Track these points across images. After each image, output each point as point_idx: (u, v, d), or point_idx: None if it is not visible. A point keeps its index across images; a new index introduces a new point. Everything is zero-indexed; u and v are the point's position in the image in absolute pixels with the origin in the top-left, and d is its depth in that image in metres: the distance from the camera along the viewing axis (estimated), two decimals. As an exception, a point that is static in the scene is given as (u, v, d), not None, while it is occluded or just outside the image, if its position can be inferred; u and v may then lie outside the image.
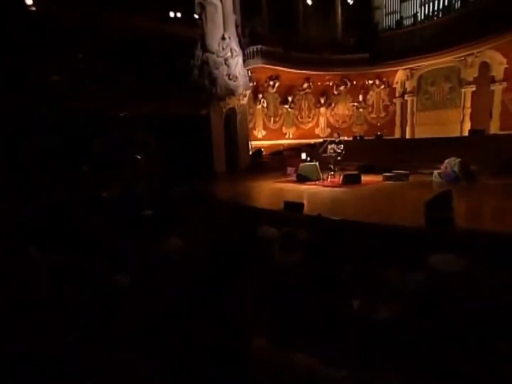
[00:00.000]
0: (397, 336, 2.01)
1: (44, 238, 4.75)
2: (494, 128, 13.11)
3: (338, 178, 8.88)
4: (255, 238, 4.13)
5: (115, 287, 2.79)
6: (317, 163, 9.53)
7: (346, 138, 11.90)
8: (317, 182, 8.98)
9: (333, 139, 9.34)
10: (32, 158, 10.43)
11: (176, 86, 12.45)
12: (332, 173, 8.98)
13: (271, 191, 8.36)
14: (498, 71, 13.09)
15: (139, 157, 14.65)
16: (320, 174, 9.43)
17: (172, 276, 2.97)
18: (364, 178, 8.69)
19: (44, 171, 10.16)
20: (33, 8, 8.79)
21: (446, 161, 8.28)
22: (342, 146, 8.92)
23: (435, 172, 8.45)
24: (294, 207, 5.23)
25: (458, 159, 8.01)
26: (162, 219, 5.62)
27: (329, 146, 9.13)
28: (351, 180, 8.22)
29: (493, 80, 13.25)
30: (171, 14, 12.39)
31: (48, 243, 4.32)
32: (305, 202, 5.98)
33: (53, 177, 10.01)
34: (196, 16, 12.38)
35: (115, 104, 11.83)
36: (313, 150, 11.89)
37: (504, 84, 13.01)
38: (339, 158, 8.86)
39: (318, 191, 7.68)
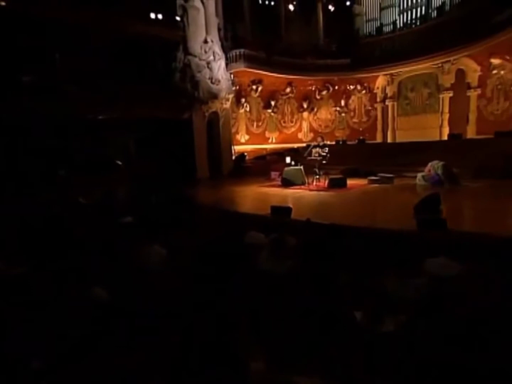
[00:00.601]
0: (403, 348, 1.87)
1: (14, 247, 4.40)
2: (470, 132, 13.51)
3: (324, 182, 8.82)
4: (243, 244, 3.95)
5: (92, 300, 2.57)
6: (301, 167, 9.46)
7: (329, 142, 11.96)
8: (302, 186, 8.89)
9: (317, 143, 9.30)
10: (7, 160, 9.91)
11: (157, 89, 12.16)
12: (317, 177, 8.92)
13: (256, 195, 8.20)
14: (473, 78, 13.53)
15: (119, 162, 14.25)
16: (305, 178, 9.36)
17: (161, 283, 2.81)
18: (349, 181, 8.67)
19: (20, 175, 9.67)
20: (3, 3, 8.32)
21: (430, 164, 8.37)
22: (327, 149, 8.89)
23: (419, 175, 8.53)
24: (281, 211, 5.07)
25: (441, 162, 8.11)
26: (144, 226, 5.36)
27: (314, 150, 9.07)
28: (336, 184, 8.17)
29: (468, 87, 13.68)
30: (152, 16, 12.11)
31: (18, 254, 3.99)
32: (292, 206, 5.84)
33: (29, 181, 9.53)
34: (178, 18, 12.16)
35: (94, 107, 11.37)
36: (297, 154, 11.85)
37: (479, 90, 13.45)
38: (324, 161, 8.81)
39: (304, 195, 7.58)
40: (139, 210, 6.22)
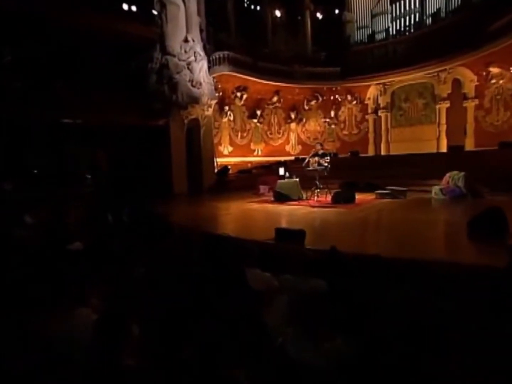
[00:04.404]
0: None
1: None
2: (469, 145, 12.72)
3: (325, 197, 7.46)
4: (248, 291, 2.44)
5: None
6: (298, 180, 8.11)
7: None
8: (300, 202, 7.50)
9: (315, 151, 7.98)
10: None
11: (130, 92, 10.64)
12: (318, 190, 7.55)
13: (247, 214, 6.68)
14: (469, 88, 12.91)
15: (88, 176, 12.54)
16: (302, 192, 8.01)
17: None
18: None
19: None
20: None
21: (448, 175, 7.23)
22: (328, 158, 7.58)
23: (436, 188, 7.35)
24: (291, 236, 3.62)
25: (462, 173, 6.99)
26: (92, 256, 3.76)
27: (312, 159, 7.74)
28: (343, 199, 6.80)
29: (465, 97, 13.03)
30: (125, 9, 10.70)
31: None
32: (296, 226, 4.39)
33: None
34: (155, 12, 10.82)
35: (52, 109, 9.64)
36: (287, 167, 10.58)
37: (476, 101, 12.80)
38: (325, 173, 7.46)
39: (307, 212, 6.13)
40: (92, 232, 4.61)
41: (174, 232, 4.19)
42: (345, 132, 16.06)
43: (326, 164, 7.42)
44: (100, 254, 3.79)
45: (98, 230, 4.43)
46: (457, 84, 13.10)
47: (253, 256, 3.20)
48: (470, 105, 12.93)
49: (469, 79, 12.82)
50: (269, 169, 13.26)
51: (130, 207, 4.94)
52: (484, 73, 12.12)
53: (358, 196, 7.64)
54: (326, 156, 7.69)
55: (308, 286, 2.49)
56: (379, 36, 14.20)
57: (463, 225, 4.05)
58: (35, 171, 10.95)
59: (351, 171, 11.14)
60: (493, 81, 12.13)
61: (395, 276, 2.61)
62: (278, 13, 15.79)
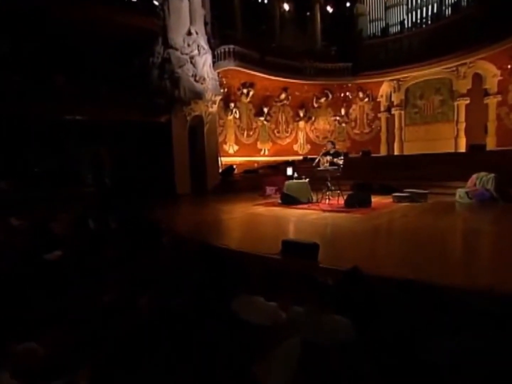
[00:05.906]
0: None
1: None
2: (490, 144, 11.89)
3: (337, 199, 6.80)
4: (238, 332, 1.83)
5: None
6: (307, 180, 7.47)
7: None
8: (310, 205, 6.85)
9: (327, 150, 7.31)
10: None
11: (131, 88, 10.13)
12: (329, 192, 6.89)
13: (251, 219, 6.03)
14: (491, 83, 12.09)
15: (90, 175, 12.06)
16: (311, 194, 7.37)
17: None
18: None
19: None
20: None
21: (474, 176, 6.52)
22: (342, 158, 6.91)
23: (460, 191, 6.62)
24: (301, 250, 2.98)
25: (492, 175, 6.27)
26: (66, 270, 3.20)
27: (323, 159, 7.08)
28: (357, 202, 6.13)
29: (486, 93, 12.20)
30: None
31: None
32: (316, 241, 3.73)
33: None
34: (156, 3, 10.28)
35: (54, 105, 9.14)
36: (295, 167, 9.94)
37: (499, 97, 11.96)
38: (338, 174, 6.79)
39: (318, 218, 5.47)
40: (72, 241, 4.06)
41: (164, 241, 3.59)
42: (356, 131, 15.33)
43: (340, 163, 6.75)
44: (73, 269, 3.22)
45: (77, 238, 3.87)
46: (477, 79, 12.29)
47: (255, 278, 2.58)
48: (492, 101, 12.11)
49: (492, 74, 11.99)
50: (277, 169, 12.66)
51: (119, 211, 4.35)
52: (509, 67, 11.29)
53: (373, 199, 6.95)
54: (340, 155, 7.02)
55: (326, 327, 1.86)
56: (394, 29, 13.44)
57: (508, 237, 3.39)
58: (35, 170, 10.52)
59: (363, 172, 10.47)
60: (519, 75, 11.31)
61: (443, 311, 1.96)
62: (286, 6, 15.14)
